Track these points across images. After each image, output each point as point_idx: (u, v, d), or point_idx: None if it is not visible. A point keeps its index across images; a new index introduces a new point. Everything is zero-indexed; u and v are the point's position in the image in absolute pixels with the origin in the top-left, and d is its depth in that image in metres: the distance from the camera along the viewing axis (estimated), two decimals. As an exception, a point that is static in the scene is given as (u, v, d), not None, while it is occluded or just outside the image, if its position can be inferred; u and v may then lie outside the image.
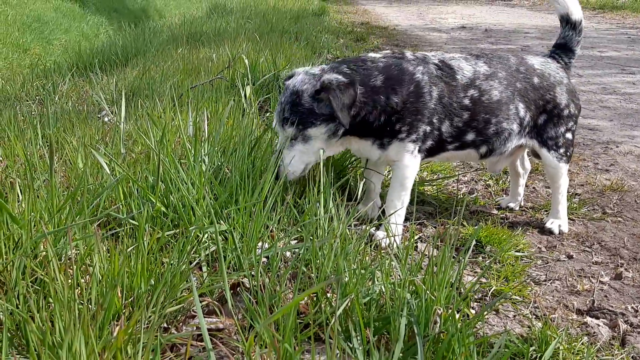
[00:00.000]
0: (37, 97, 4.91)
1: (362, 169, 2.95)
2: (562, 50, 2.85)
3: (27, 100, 4.84)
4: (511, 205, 3.14)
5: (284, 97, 2.42)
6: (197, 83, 4.02)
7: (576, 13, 2.82)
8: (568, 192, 3.44)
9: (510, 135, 2.66)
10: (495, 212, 3.10)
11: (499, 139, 2.65)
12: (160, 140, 2.35)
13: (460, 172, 3.68)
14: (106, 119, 3.79)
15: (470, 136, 2.60)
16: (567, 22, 2.83)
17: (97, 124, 3.55)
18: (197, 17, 10.62)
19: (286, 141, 2.42)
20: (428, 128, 2.50)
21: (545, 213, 3.12)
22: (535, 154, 2.91)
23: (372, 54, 2.56)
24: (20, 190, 2.05)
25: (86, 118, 3.43)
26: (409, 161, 2.52)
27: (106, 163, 2.23)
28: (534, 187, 3.49)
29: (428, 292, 1.67)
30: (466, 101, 2.55)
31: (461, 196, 3.26)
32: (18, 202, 2.09)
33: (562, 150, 2.76)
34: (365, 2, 19.66)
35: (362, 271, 1.79)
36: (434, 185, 3.32)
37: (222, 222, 2.18)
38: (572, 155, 2.84)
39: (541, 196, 3.37)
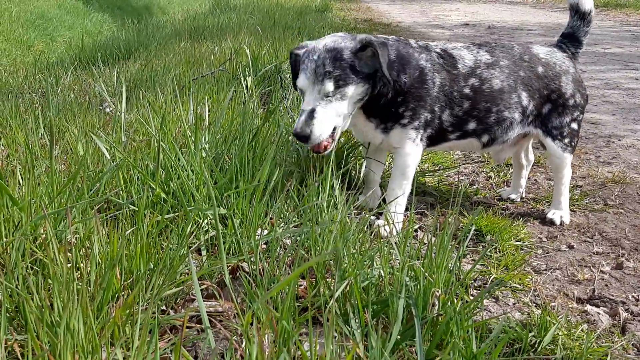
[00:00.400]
0: (39, 90, 4.92)
1: (362, 159, 2.95)
2: (569, 40, 2.85)
3: (30, 93, 4.85)
4: (512, 196, 3.14)
5: (317, 55, 2.29)
6: (198, 75, 4.02)
7: (587, 3, 2.80)
8: (570, 184, 3.44)
9: (512, 124, 2.66)
10: (496, 203, 3.10)
11: (500, 128, 2.64)
12: (160, 128, 2.35)
13: (461, 164, 3.68)
14: (108, 110, 3.80)
15: (471, 125, 2.60)
16: (576, 11, 2.82)
17: (98, 114, 3.55)
18: (200, 13, 10.63)
19: (319, 98, 2.28)
20: (429, 116, 2.49)
21: (547, 204, 3.11)
22: (541, 144, 2.91)
23: (380, 35, 2.56)
24: (21, 176, 2.05)
25: (88, 109, 3.44)
26: (411, 149, 2.52)
27: (107, 149, 2.23)
28: (535, 179, 3.48)
29: (427, 274, 1.66)
30: (467, 90, 2.54)
31: (462, 187, 3.25)
32: (19, 186, 2.10)
33: (567, 140, 2.76)
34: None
35: (361, 255, 1.79)
36: (435, 176, 3.31)
37: (221, 207, 2.18)
38: (576, 146, 2.83)
39: (543, 188, 3.36)
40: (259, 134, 2.67)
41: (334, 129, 2.34)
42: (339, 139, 2.53)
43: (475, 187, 3.34)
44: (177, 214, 2.03)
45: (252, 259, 1.85)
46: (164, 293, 1.66)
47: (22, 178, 2.02)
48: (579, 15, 2.82)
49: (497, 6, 16.67)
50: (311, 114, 2.28)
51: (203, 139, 2.51)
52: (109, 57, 5.90)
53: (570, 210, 3.05)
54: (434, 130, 2.55)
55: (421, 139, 2.53)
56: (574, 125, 2.77)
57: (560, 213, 2.88)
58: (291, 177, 2.57)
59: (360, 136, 2.65)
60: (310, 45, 2.37)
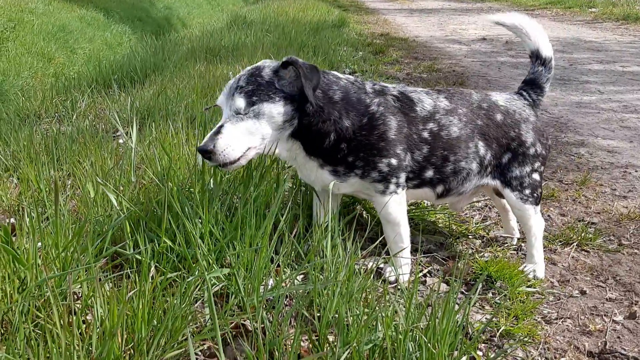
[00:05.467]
0: (55, 114, 4.98)
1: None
2: (530, 87, 2.76)
3: (46, 118, 4.91)
4: (508, 240, 3.05)
5: (239, 74, 2.27)
6: (210, 105, 4.04)
7: (546, 50, 2.73)
8: (584, 220, 3.39)
9: (469, 175, 2.55)
10: (507, 241, 3.05)
11: (456, 179, 2.53)
12: (168, 173, 2.36)
13: (476, 200, 3.63)
14: (121, 141, 3.83)
15: (429, 173, 2.48)
16: (537, 57, 2.74)
17: (111, 145, 3.58)
18: (217, 29, 10.70)
19: (231, 115, 2.16)
20: (393, 160, 2.36)
21: (560, 243, 3.07)
22: (499, 194, 2.82)
23: (335, 72, 2.43)
24: (29, 222, 2.06)
25: (100, 141, 3.47)
26: (385, 198, 2.40)
27: (115, 197, 2.24)
28: (548, 215, 3.42)
29: (430, 344, 1.64)
30: (425, 134, 2.44)
31: (474, 225, 3.21)
32: (27, 233, 2.11)
33: (527, 191, 2.63)
34: (386, 11, 19.64)
35: (365, 317, 1.77)
36: (446, 212, 3.27)
37: (227, 255, 2.18)
38: (540, 197, 2.70)
39: (556, 225, 3.31)
40: (266, 172, 2.66)
41: (248, 149, 2.17)
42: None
43: (487, 223, 3.30)
44: (182, 270, 2.03)
45: (254, 315, 1.85)
46: (165, 355, 1.66)
47: (29, 227, 2.03)
48: (540, 61, 2.74)
49: (516, 19, 16.52)
50: (219, 129, 2.14)
51: (210, 182, 2.52)
52: (125, 79, 5.96)
53: (584, 250, 3.00)
54: (408, 172, 2.43)
55: (397, 185, 2.40)
56: (535, 176, 2.66)
57: (533, 267, 2.70)
58: (297, 220, 2.55)
59: (306, 177, 2.46)
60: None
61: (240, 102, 2.14)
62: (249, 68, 2.27)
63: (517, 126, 2.62)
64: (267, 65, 2.26)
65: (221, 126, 2.16)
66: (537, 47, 2.74)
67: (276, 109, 2.18)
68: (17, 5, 12.57)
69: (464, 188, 2.59)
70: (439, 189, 2.55)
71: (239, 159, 2.14)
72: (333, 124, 2.28)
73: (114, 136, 4.14)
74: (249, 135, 2.15)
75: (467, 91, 2.69)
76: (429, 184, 2.52)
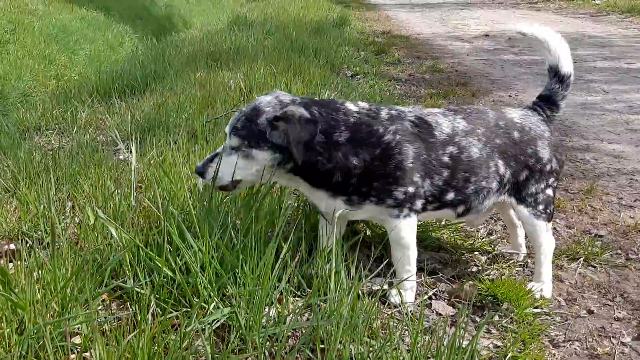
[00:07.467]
0: (56, 126, 4.96)
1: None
2: (545, 103, 2.70)
3: (47, 130, 4.88)
4: (514, 257, 3.00)
5: (245, 108, 2.37)
6: (211, 118, 4.01)
7: (566, 66, 2.66)
8: (590, 233, 3.34)
9: (489, 193, 2.53)
10: (513, 257, 3.01)
11: (477, 198, 2.52)
12: (168, 198, 2.33)
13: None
14: (121, 157, 3.80)
15: (450, 195, 2.46)
16: (555, 73, 2.68)
17: (110, 162, 3.55)
18: (218, 30, 10.65)
19: (227, 147, 2.35)
20: (410, 188, 2.34)
21: (567, 258, 3.03)
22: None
23: (349, 104, 2.41)
24: (27, 262, 2.03)
25: (100, 160, 3.44)
26: (398, 222, 2.38)
27: (114, 228, 2.22)
28: (555, 228, 3.38)
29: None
30: (445, 158, 2.42)
31: (479, 240, 3.17)
32: (26, 266, 2.08)
33: (540, 207, 2.60)
34: (387, 7, 19.54)
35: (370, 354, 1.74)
36: (450, 227, 3.23)
37: (229, 287, 2.16)
38: (553, 214, 2.68)
39: (562, 238, 3.27)
40: (269, 193, 2.63)
41: (239, 181, 2.35)
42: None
43: (493, 237, 3.25)
44: (181, 309, 2.00)
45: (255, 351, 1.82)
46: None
47: (28, 256, 2.01)
48: (558, 78, 2.67)
49: (518, 13, 16.45)
50: (213, 157, 2.38)
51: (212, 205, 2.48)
52: (126, 87, 5.92)
53: (591, 265, 2.96)
54: (423, 199, 2.41)
55: (411, 210, 2.39)
56: (549, 192, 2.63)
57: (540, 286, 2.65)
58: (299, 243, 2.52)
59: (316, 203, 2.48)
60: (256, 99, 2.43)
61: (234, 141, 2.31)
62: (251, 107, 2.34)
63: (534, 143, 2.59)
64: (266, 110, 2.30)
65: (216, 155, 2.37)
66: (557, 63, 2.67)
67: (263, 156, 2.29)
68: (17, 7, 12.55)
69: (484, 206, 2.57)
70: (460, 209, 2.53)
71: (227, 186, 2.36)
72: (338, 164, 2.30)
73: (115, 150, 4.11)
74: (238, 169, 2.31)
75: (483, 109, 2.65)
76: (449, 205, 2.50)
